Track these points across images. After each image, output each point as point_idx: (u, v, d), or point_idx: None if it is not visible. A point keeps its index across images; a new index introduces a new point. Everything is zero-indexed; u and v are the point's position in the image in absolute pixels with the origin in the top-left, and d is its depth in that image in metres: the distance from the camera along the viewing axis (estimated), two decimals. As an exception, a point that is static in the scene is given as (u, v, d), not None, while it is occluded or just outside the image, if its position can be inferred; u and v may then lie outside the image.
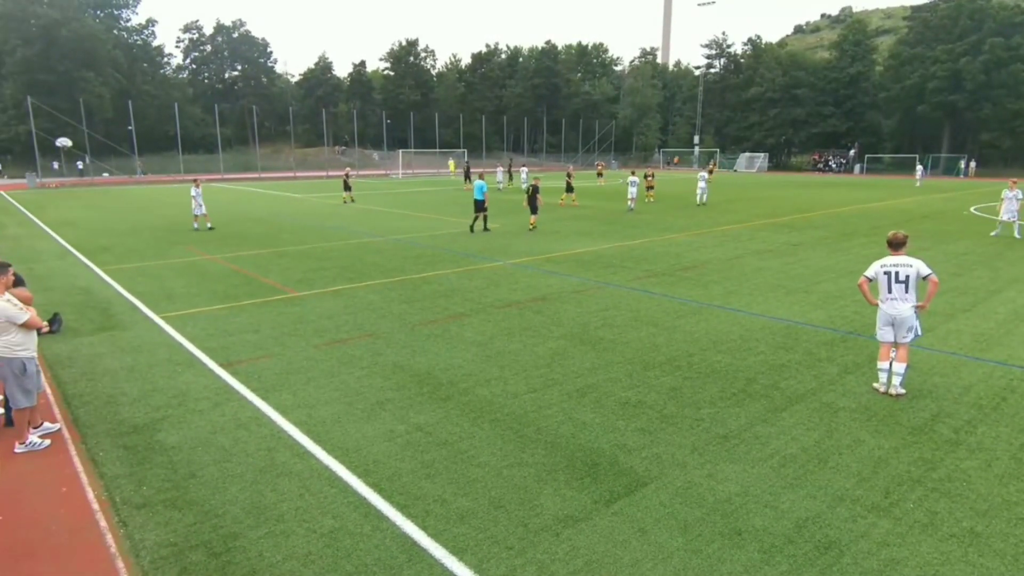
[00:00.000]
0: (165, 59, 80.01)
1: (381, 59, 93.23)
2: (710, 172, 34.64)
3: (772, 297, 11.49)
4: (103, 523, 4.61)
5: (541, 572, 4.04)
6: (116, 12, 71.62)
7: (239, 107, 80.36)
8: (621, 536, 4.41)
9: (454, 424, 6.20)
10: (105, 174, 54.59)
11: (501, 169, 42.59)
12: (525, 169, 42.11)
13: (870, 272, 7.04)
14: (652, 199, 32.20)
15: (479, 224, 20.41)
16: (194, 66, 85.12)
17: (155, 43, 76.69)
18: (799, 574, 4.02)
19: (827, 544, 4.33)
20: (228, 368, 7.73)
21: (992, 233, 19.80)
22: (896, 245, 7.00)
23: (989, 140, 67.97)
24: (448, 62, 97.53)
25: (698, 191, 30.24)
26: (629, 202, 27.68)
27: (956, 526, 4.54)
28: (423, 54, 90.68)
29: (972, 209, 28.70)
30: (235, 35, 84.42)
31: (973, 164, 65.50)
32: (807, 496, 4.92)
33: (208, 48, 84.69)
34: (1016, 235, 19.01)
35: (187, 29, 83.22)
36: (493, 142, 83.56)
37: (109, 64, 62.60)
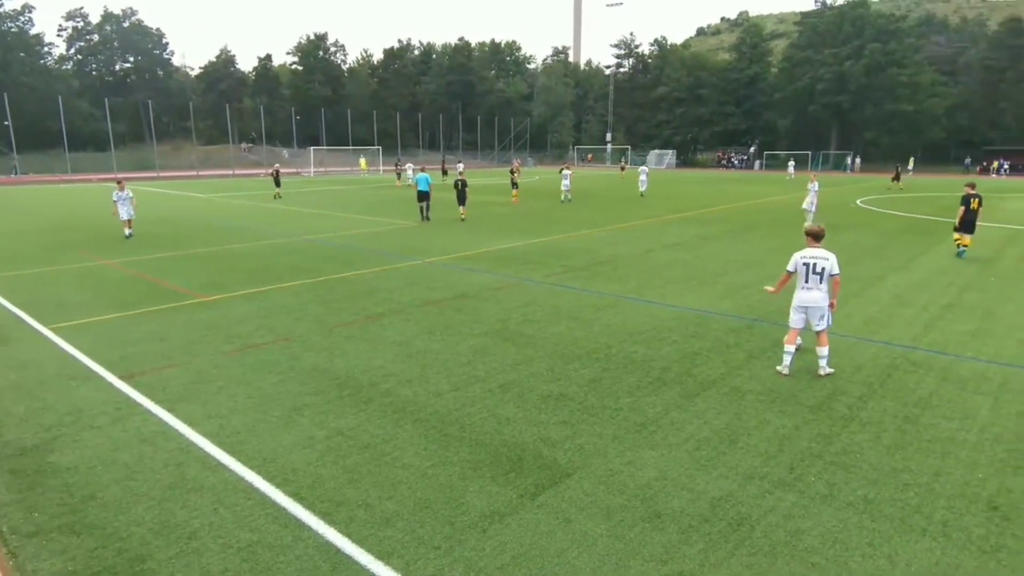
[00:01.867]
0: (46, 48, 73.65)
1: (288, 53, 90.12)
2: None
3: (683, 288, 11.99)
4: (-12, 556, 4.21)
5: (469, 570, 4.04)
6: (-14, -4, 65.40)
7: (133, 102, 75.15)
8: (547, 527, 4.48)
9: (376, 426, 6.09)
10: (-26, 174, 49.75)
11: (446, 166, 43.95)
12: (461, 165, 45.02)
13: (791, 265, 7.52)
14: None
15: (424, 211, 22.72)
16: (79, 57, 78.94)
17: (32, 31, 70.42)
18: (715, 551, 4.23)
19: (739, 520, 4.57)
20: (130, 380, 7.24)
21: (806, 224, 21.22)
22: (816, 237, 7.50)
23: (871, 138, 73.82)
24: (359, 57, 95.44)
25: (640, 184, 34.44)
26: (565, 193, 30.40)
27: (852, 495, 4.91)
28: (333, 49, 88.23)
29: (858, 202, 31.08)
30: (126, 24, 78.99)
31: (858, 160, 70.90)
32: (720, 476, 5.18)
33: (95, 38, 78.76)
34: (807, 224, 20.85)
35: (70, 17, 77.03)
36: (409, 139, 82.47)
37: (-22, 53, 57.06)
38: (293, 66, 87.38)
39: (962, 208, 15.51)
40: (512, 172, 32.05)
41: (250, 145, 74.07)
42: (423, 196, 22.65)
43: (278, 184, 32.82)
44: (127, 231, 18.61)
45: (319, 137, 71.16)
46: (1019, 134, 71.74)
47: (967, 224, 15.47)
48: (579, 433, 5.95)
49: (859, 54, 71.20)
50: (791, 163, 59.44)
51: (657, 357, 8.08)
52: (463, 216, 22.43)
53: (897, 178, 42.01)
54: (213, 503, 4.79)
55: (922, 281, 12.59)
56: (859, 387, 7.10)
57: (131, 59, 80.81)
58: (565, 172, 31.16)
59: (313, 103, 78.20)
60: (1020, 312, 10.31)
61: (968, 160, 68.29)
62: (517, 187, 30.89)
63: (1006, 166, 64.53)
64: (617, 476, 5.18)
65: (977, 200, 15.50)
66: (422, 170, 23.69)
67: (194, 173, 57.61)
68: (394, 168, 46.13)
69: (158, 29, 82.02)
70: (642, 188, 34.07)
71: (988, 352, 8.32)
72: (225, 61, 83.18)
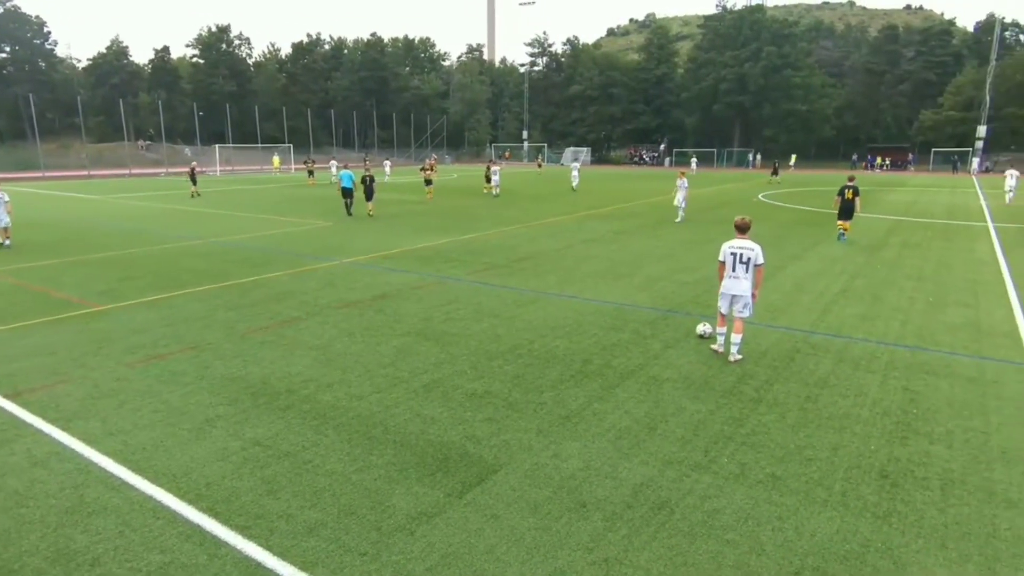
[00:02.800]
0: (-97, 35, 66.29)
1: (188, 45, 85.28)
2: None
3: (601, 282, 12.30)
4: None
5: (397, 574, 3.99)
6: None
7: (11, 95, 68.92)
8: (475, 525, 4.49)
9: (296, 434, 5.89)
10: None
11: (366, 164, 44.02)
12: (388, 163, 48.80)
13: (721, 255, 7.90)
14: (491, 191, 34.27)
15: (349, 207, 23.49)
16: (-55, 46, 71.58)
17: None
18: (638, 535, 4.37)
19: (660, 504, 4.75)
20: (16, 399, 6.65)
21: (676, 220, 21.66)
22: (743, 229, 7.87)
23: (770, 136, 78.40)
24: (266, 51, 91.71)
25: (572, 180, 36.94)
26: (495, 189, 32.49)
27: (761, 473, 5.21)
28: (237, 42, 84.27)
29: (760, 196, 32.91)
30: (0, 11, 72.19)
31: (759, 157, 75.18)
32: (641, 463, 5.36)
33: (-36, 25, 71.57)
34: (678, 220, 21.58)
35: (-67, 1, 69.67)
36: (321, 137, 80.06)
37: None
38: (194, 59, 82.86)
39: (838, 198, 17.83)
40: (424, 170, 32.74)
41: (148, 143, 69.55)
42: (347, 192, 23.46)
43: (194, 182, 32.75)
44: (4, 241, 16.57)
45: (225, 134, 67.74)
46: (898, 132, 78.30)
47: (844, 211, 17.62)
48: (504, 429, 5.99)
49: (757, 57, 75.49)
50: (694, 160, 64.20)
51: (578, 350, 8.25)
52: (371, 212, 23.12)
53: (775, 172, 46.15)
54: (118, 526, 4.48)
55: (817, 270, 13.50)
56: (765, 371, 7.53)
57: (7, 49, 73.94)
58: (494, 168, 33.15)
59: (217, 99, 74.46)
60: (902, 296, 11.26)
61: (855, 156, 73.88)
62: (431, 184, 31.34)
63: (887, 162, 70.29)
64: (543, 469, 5.25)
65: (851, 191, 17.48)
66: (345, 167, 25.05)
67: (85, 173, 53.47)
68: (305, 166, 44.76)
69: (38, 16, 75.49)
70: (574, 184, 36.43)
71: (876, 333, 9.03)
72: (117, 53, 77.62)
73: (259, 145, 65.53)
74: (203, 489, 4.94)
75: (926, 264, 14.19)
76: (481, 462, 5.37)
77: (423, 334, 8.94)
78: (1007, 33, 78.11)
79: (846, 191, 17.63)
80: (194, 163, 35.48)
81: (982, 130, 62.72)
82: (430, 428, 6.00)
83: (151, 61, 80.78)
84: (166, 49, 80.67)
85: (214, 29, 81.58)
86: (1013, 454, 5.54)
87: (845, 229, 17.61)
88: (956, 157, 64.94)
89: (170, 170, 57.10)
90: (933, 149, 69.41)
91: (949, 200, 31.02)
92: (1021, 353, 8.22)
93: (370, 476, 5.14)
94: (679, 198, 21.74)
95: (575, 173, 37.14)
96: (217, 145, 60.18)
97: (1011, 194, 29.30)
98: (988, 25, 75.52)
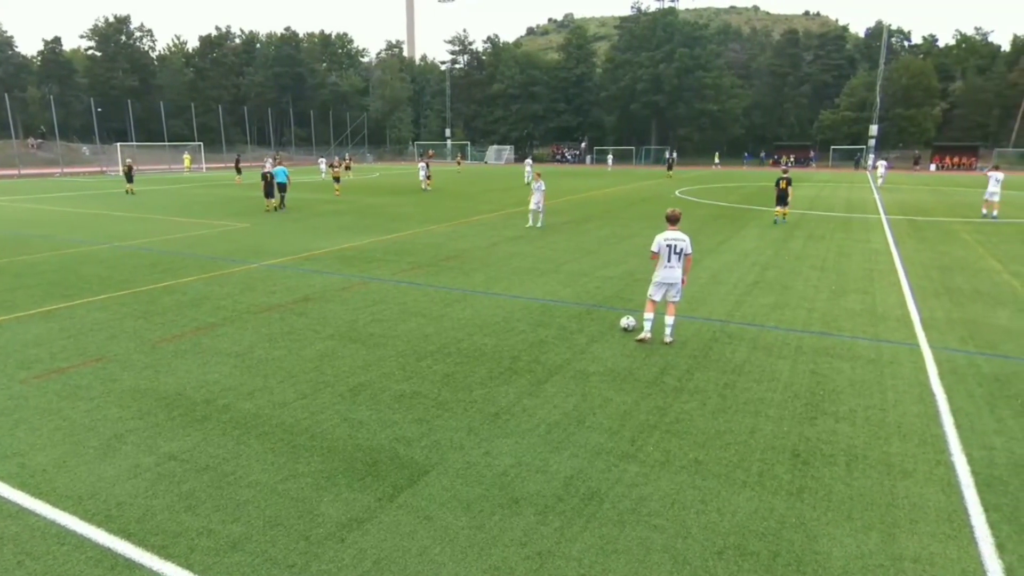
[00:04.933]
0: None
1: (83, 36, 79.44)
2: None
3: (527, 279, 12.42)
4: None
5: (328, 583, 3.88)
6: None
7: None
8: (408, 527, 4.44)
9: (215, 446, 5.62)
10: None
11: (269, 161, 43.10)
12: (323, 161, 49.27)
13: (655, 247, 8.30)
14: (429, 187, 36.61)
15: (277, 202, 24.54)
16: None
17: None
18: (569, 527, 4.45)
19: (590, 495, 4.85)
20: None
21: (535, 225, 19.39)
22: (674, 220, 8.33)
23: (684, 134, 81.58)
24: (171, 44, 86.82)
25: (526, 176, 39.72)
26: (424, 184, 35.02)
27: (684, 459, 5.41)
28: (138, 34, 79.45)
29: (677, 193, 34.15)
30: None
31: (675, 155, 78.02)
32: (571, 456, 5.45)
33: None
34: (538, 224, 19.24)
35: None
36: (234, 134, 76.68)
37: None
38: (90, 51, 77.49)
39: (775, 188, 20.64)
40: (333, 167, 34.74)
41: (40, 140, 64.43)
42: (281, 187, 24.78)
43: (130, 180, 33.27)
44: None
45: (127, 132, 63.71)
46: (800, 131, 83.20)
47: (779, 199, 20.50)
48: (435, 429, 5.95)
49: (671, 58, 78.28)
50: (610, 157, 70.69)
51: (506, 347, 8.30)
52: (267, 208, 24.28)
53: (670, 167, 51.08)
54: (16, 555, 4.14)
55: (732, 262, 14.16)
56: (686, 360, 7.83)
57: None
58: (421, 165, 36.03)
59: (117, 94, 70.00)
60: (808, 285, 11.98)
61: (763, 154, 77.98)
62: (339, 181, 33.62)
63: (792, 159, 74.54)
64: (474, 467, 5.25)
65: (785, 181, 20.35)
66: (279, 164, 26.14)
67: (-34, 174, 48.98)
68: (234, 165, 42.90)
69: (-96, 2, 68.43)
70: (527, 179, 38.88)
71: (786, 321, 9.57)
72: (0, 43, 71.53)
73: (166, 143, 62.03)
74: (113, 510, 4.64)
75: (828, 255, 15.16)
76: (412, 464, 5.31)
77: (348, 336, 8.74)
78: (893, 39, 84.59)
79: (780, 181, 20.36)
80: (129, 160, 35.95)
81: (874, 129, 67.84)
82: (358, 432, 5.88)
83: (40, 53, 74.93)
84: (57, 40, 75.11)
85: (112, 20, 76.54)
86: (907, 428, 6.01)
87: (783, 215, 20.42)
88: (859, 155, 69.79)
89: (66, 170, 53.15)
90: (832, 146, 74.32)
91: (847, 195, 33.25)
92: (912, 335, 8.93)
93: (296, 485, 4.98)
94: (535, 201, 19.28)
95: (528, 170, 39.68)
96: (119, 143, 56.41)
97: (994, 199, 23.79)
98: (877, 31, 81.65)
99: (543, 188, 19.65)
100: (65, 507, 4.67)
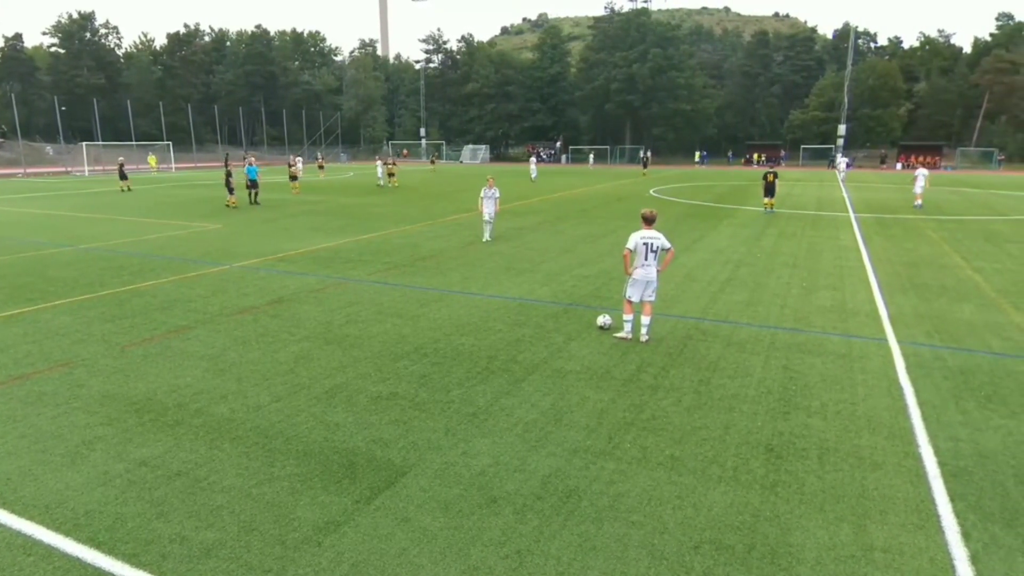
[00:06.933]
0: None
1: (45, 33, 77.54)
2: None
3: (504, 279, 12.42)
4: None
5: (305, 587, 3.84)
6: None
7: None
8: (385, 529, 4.41)
9: (187, 451, 5.52)
10: None
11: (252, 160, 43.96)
12: (300, 160, 49.70)
13: (631, 244, 8.31)
14: (395, 184, 37.64)
15: (254, 198, 26.31)
16: None
17: None
18: (548, 525, 4.46)
19: (568, 493, 4.87)
20: None
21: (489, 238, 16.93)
22: (650, 220, 8.39)
23: (658, 134, 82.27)
24: (138, 42, 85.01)
25: (531, 173, 43.65)
26: (380, 181, 37.27)
27: (661, 455, 5.47)
28: (104, 31, 77.62)
29: (652, 192, 34.44)
30: None
31: (649, 154, 78.69)
32: (549, 454, 5.47)
33: None
34: (487, 237, 16.78)
35: None
36: (204, 134, 75.36)
37: None
38: (53, 48, 75.46)
39: (763, 180, 23.25)
40: (289, 166, 35.56)
41: (0, 140, 62.63)
42: (252, 184, 26.44)
43: (124, 177, 34.56)
44: None
45: (93, 131, 62.21)
46: (771, 130, 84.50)
47: (767, 191, 23.00)
48: (412, 430, 5.92)
49: (644, 58, 78.84)
50: (591, 156, 70.86)
51: (484, 347, 8.29)
52: (228, 203, 25.47)
53: (645, 166, 52.88)
54: (-20, 567, 4.02)
55: (705, 260, 14.32)
56: (662, 358, 7.90)
57: None
58: (379, 163, 38.61)
59: (82, 92, 68.39)
60: (780, 282, 12.17)
61: (730, 153, 79.19)
62: (296, 179, 34.16)
63: (763, 157, 75.67)
64: (452, 468, 5.24)
65: (772, 175, 23.01)
66: (251, 162, 27.63)
67: (-77, 174, 47.40)
68: (223, 164, 42.17)
69: None
70: (533, 176, 42.95)
71: (759, 318, 9.72)
72: (-43, 40, 69.43)
73: (133, 143, 60.68)
74: (82, 518, 4.53)
75: (800, 252, 15.43)
76: (389, 465, 5.28)
77: (324, 338, 8.65)
78: (860, 41, 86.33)
79: (768, 175, 22.94)
80: (122, 159, 37.48)
81: (842, 128, 69.23)
82: (335, 435, 5.82)
83: (0, 50, 72.75)
84: (18, 36, 73.07)
85: (76, 16, 74.66)
86: (877, 421, 6.14)
87: (770, 205, 23.02)
88: (833, 155, 70.99)
89: (29, 170, 51.72)
90: (802, 146, 75.58)
91: (817, 193, 33.85)
92: (880, 330, 9.13)
93: (272, 489, 4.91)
94: (488, 211, 16.62)
95: (533, 167, 44.80)
96: (84, 143, 55.02)
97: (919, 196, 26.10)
98: (844, 33, 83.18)
99: (497, 195, 16.77)
100: (31, 516, 4.55)
